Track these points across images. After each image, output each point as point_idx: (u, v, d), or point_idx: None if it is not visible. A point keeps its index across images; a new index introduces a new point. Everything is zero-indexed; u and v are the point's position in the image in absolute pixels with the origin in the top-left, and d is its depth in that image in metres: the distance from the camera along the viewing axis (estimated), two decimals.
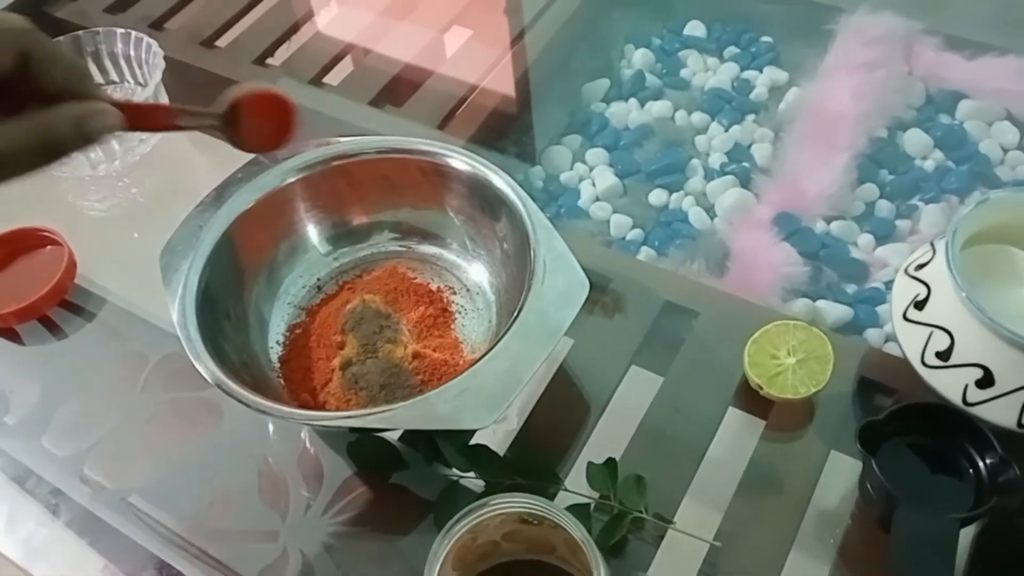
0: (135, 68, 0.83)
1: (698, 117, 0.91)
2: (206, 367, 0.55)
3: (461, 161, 0.64)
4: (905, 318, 0.57)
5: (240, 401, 0.54)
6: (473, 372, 0.54)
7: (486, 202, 0.64)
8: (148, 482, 0.61)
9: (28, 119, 0.38)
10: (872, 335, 0.73)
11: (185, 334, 0.57)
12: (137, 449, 0.63)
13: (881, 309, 0.74)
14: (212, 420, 0.64)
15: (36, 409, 0.66)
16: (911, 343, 0.56)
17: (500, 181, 0.62)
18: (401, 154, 0.66)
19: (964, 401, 0.54)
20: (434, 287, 0.68)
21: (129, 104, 0.42)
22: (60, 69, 0.39)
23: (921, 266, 0.58)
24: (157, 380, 0.66)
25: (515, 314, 0.56)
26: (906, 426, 0.54)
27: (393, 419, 0.53)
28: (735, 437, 0.61)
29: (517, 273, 0.61)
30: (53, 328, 0.70)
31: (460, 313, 0.66)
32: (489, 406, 0.52)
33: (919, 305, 0.56)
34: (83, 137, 0.39)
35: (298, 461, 0.62)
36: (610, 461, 0.57)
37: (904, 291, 0.58)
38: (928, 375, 0.55)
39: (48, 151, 0.38)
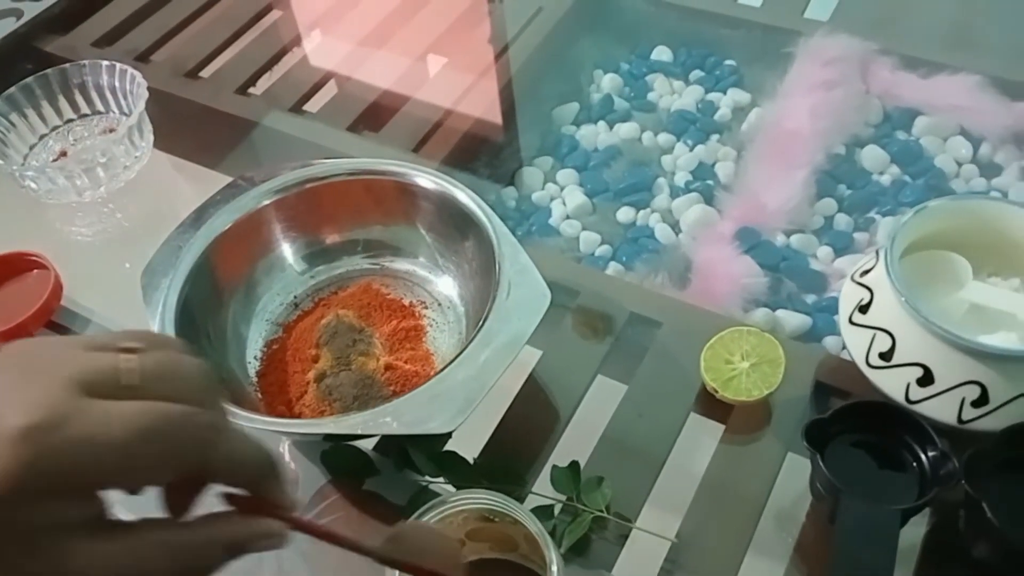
0: (120, 98, 0.86)
1: (664, 138, 0.94)
2: None
3: (428, 180, 0.67)
4: (851, 322, 0.60)
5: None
6: (440, 379, 0.56)
7: (453, 219, 0.67)
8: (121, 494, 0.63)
9: (169, 535, 0.31)
10: (830, 342, 0.76)
11: None
12: None
13: (839, 317, 0.77)
14: None
15: None
16: (856, 345, 0.59)
17: (466, 198, 0.65)
18: (371, 175, 0.69)
19: (907, 399, 0.56)
20: (407, 302, 0.70)
21: (301, 521, 0.36)
22: (244, 473, 0.33)
23: (865, 272, 0.61)
24: None
25: (480, 323, 0.59)
26: (852, 424, 0.57)
27: (364, 425, 0.55)
28: (695, 441, 0.63)
29: (484, 286, 0.64)
30: None
31: (432, 326, 0.69)
32: (455, 410, 0.54)
33: (863, 309, 0.59)
34: (233, 556, 0.32)
35: None
36: (573, 464, 0.59)
37: (850, 296, 0.61)
38: (873, 375, 0.58)
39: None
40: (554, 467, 0.60)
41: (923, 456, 0.56)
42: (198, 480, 0.33)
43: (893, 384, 0.57)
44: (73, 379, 0.28)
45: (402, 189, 0.68)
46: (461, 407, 0.55)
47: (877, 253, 0.61)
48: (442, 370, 0.57)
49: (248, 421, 0.56)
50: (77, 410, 0.28)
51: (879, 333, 0.57)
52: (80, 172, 0.79)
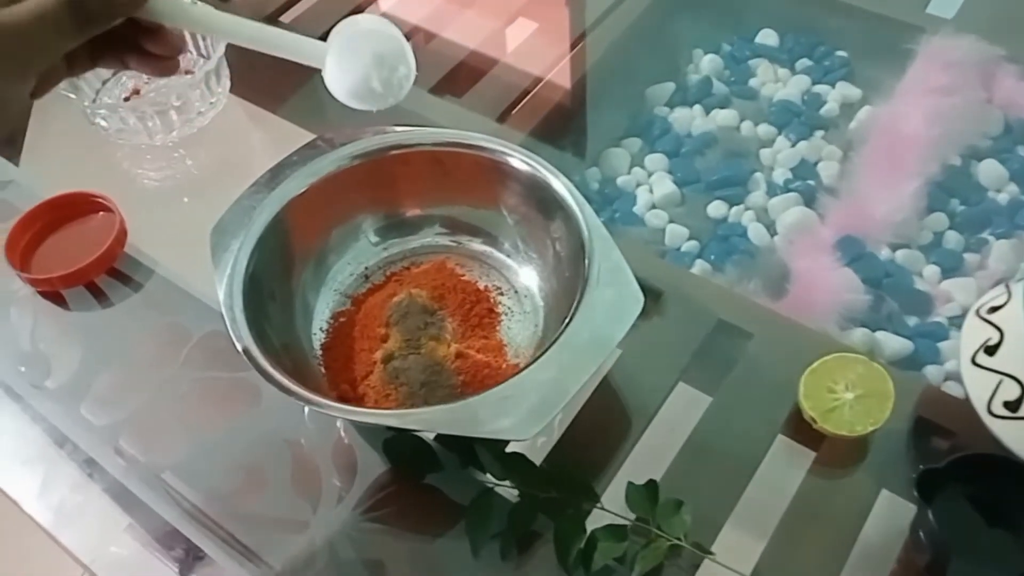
0: (198, 39, 0.83)
1: (764, 129, 0.88)
2: (248, 351, 0.54)
3: (520, 160, 0.63)
4: (974, 362, 0.54)
5: (280, 388, 0.53)
6: (518, 380, 0.52)
7: (542, 204, 0.62)
8: (181, 459, 0.61)
9: None
10: (932, 372, 0.70)
11: (230, 316, 0.57)
12: (173, 425, 0.63)
13: (943, 345, 0.71)
14: (249, 402, 0.63)
15: (76, 376, 0.66)
16: (978, 389, 0.53)
17: (559, 184, 0.61)
18: (459, 148, 0.65)
19: None
20: (481, 286, 0.66)
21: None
22: None
23: (995, 309, 0.55)
24: (198, 356, 0.66)
25: (565, 324, 0.54)
26: (966, 475, 0.52)
27: (431, 421, 0.51)
28: (782, 467, 0.59)
29: (569, 280, 0.59)
30: (99, 295, 0.70)
31: (506, 315, 0.65)
32: (531, 418, 0.50)
33: (990, 350, 0.53)
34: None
35: (332, 451, 0.61)
36: (651, 484, 0.55)
37: (975, 333, 0.55)
38: (994, 425, 0.52)
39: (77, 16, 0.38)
40: (630, 484, 0.56)
41: None
42: None
43: (1018, 438, 0.51)
44: None
45: (490, 167, 0.64)
46: (539, 413, 0.51)
47: (1009, 288, 0.55)
48: (522, 370, 0.53)
49: (310, 403, 0.52)
50: None
51: (1007, 380, 0.52)
52: (153, 114, 0.76)
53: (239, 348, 0.55)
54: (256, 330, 0.57)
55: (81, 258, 0.69)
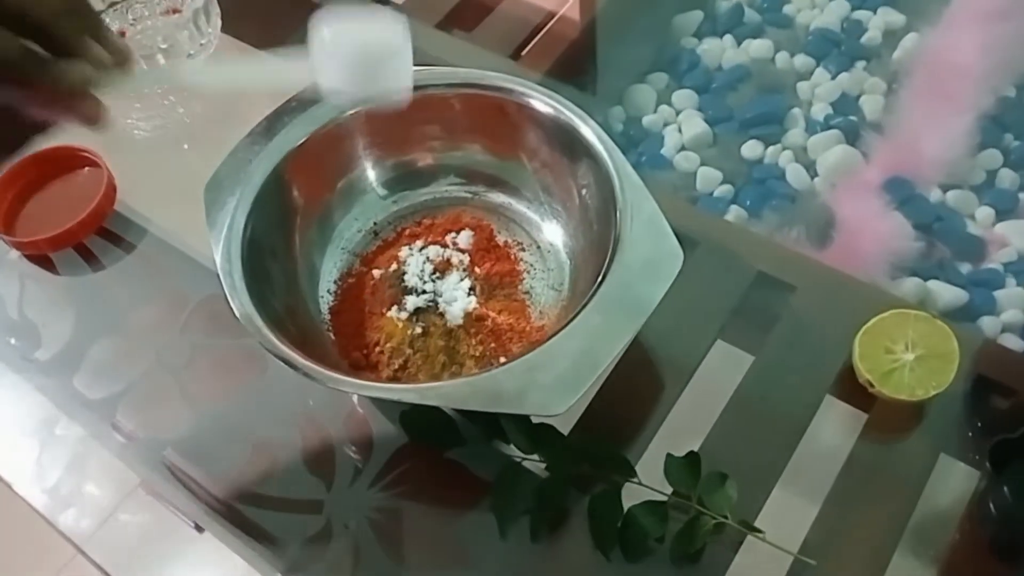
0: None
1: (801, 60, 0.81)
2: (251, 322, 0.50)
3: (542, 102, 0.57)
4: None
5: (288, 363, 0.48)
6: (546, 349, 0.47)
7: (568, 150, 0.57)
8: (184, 435, 0.57)
9: None
10: (987, 323, 0.65)
11: (229, 281, 0.52)
12: (173, 397, 0.59)
13: (999, 294, 0.66)
14: (255, 370, 0.59)
15: (68, 345, 0.62)
16: None
17: (587, 128, 0.55)
18: (475, 89, 0.59)
19: None
20: (501, 241, 0.61)
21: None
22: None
23: None
24: (197, 322, 0.61)
25: (596, 285, 0.50)
26: None
27: (454, 396, 0.47)
28: (832, 431, 0.55)
29: (599, 235, 0.54)
30: (89, 257, 0.65)
31: (528, 272, 0.60)
32: (562, 391, 0.46)
33: None
34: None
35: (345, 423, 0.57)
36: (692, 456, 0.51)
37: None
38: None
39: None
40: (669, 456, 0.51)
41: None
42: None
43: None
44: None
45: (509, 109, 0.58)
46: (570, 385, 0.46)
47: None
48: (550, 338, 0.48)
49: (323, 378, 0.48)
50: None
51: None
52: (139, 58, 0.70)
53: (239, 316, 0.50)
54: (257, 296, 0.52)
55: (68, 218, 0.64)
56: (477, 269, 0.59)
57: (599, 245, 0.53)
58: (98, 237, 0.66)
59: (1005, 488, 0.45)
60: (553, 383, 0.46)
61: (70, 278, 0.65)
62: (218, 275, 0.52)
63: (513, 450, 0.52)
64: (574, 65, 0.80)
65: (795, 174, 0.73)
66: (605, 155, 0.54)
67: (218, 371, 0.60)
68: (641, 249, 0.51)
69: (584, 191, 0.57)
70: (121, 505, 0.56)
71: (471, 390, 0.46)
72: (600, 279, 0.50)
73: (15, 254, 0.65)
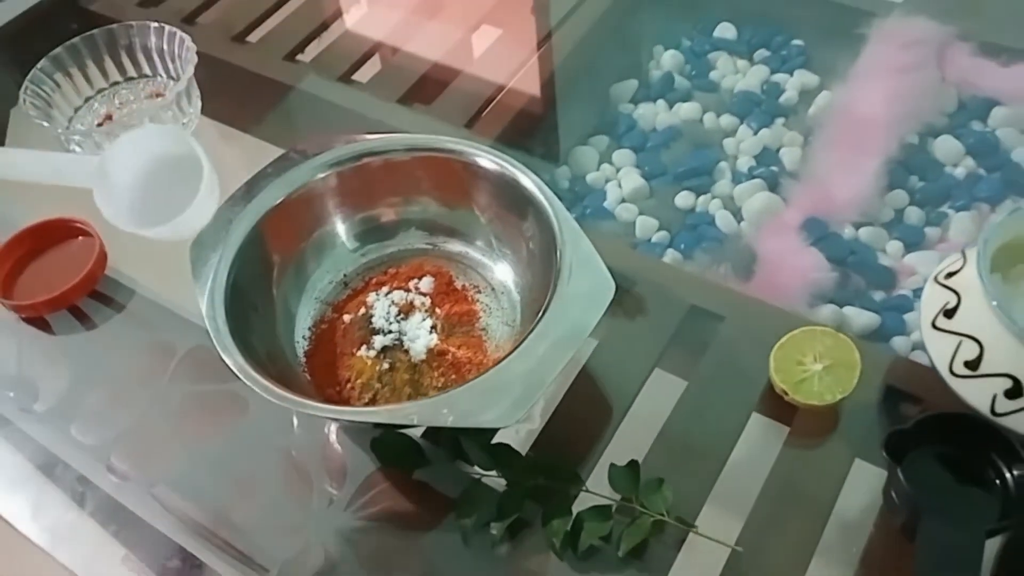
0: (167, 62, 0.84)
1: (727, 120, 0.90)
2: (234, 360, 0.56)
3: (489, 160, 0.64)
4: (934, 326, 0.56)
5: (268, 396, 0.54)
6: (497, 371, 0.54)
7: (513, 201, 0.64)
8: (174, 473, 0.62)
9: None
10: (899, 343, 0.72)
11: (213, 326, 0.58)
12: (163, 440, 0.64)
13: (909, 317, 0.74)
14: (238, 412, 0.65)
15: (64, 398, 0.67)
16: (939, 352, 0.56)
17: (528, 181, 0.62)
18: (429, 152, 0.66)
19: (992, 411, 0.53)
20: (459, 285, 0.68)
21: None
22: None
23: (951, 274, 0.57)
24: (184, 371, 0.67)
25: (539, 315, 0.56)
26: (933, 435, 0.54)
27: (417, 414, 0.53)
28: (758, 443, 0.61)
29: (543, 273, 0.61)
30: (83, 318, 0.71)
31: (485, 312, 0.67)
32: (512, 406, 0.52)
33: (948, 313, 0.56)
34: None
35: (322, 455, 0.62)
36: (632, 464, 0.57)
37: (933, 299, 0.57)
38: (956, 384, 0.54)
39: None
40: (612, 466, 0.57)
41: (1008, 473, 0.53)
42: None
43: (979, 395, 0.53)
44: None
45: (461, 168, 0.66)
46: (519, 401, 0.52)
47: (964, 254, 0.57)
48: (500, 361, 0.54)
49: (298, 406, 0.54)
50: None
51: (965, 340, 0.54)
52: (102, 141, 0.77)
53: (225, 359, 0.56)
54: (241, 340, 0.58)
55: (63, 283, 0.70)
56: (438, 310, 0.66)
57: (543, 282, 0.60)
58: (91, 299, 0.72)
59: (901, 475, 0.51)
60: (505, 401, 0.52)
61: (65, 337, 0.71)
62: (203, 326, 0.58)
63: (474, 469, 0.58)
64: (524, 130, 0.88)
65: (724, 220, 0.81)
66: (545, 203, 0.62)
67: (204, 414, 0.65)
68: (578, 282, 0.58)
69: (529, 236, 0.64)
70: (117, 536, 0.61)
71: (433, 409, 0.52)
72: (543, 311, 0.56)
73: (14, 316, 0.71)
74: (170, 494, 0.61)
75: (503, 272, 0.68)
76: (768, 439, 0.61)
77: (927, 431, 0.53)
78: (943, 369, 0.55)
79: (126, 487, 0.62)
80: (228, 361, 0.56)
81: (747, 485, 0.58)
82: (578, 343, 0.55)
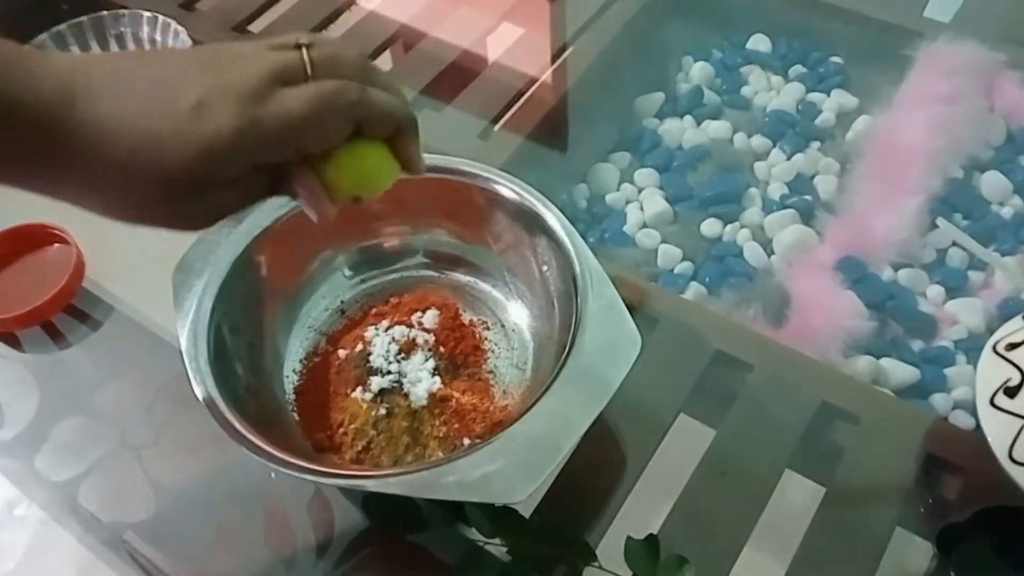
0: (157, 40, 0.78)
1: (758, 141, 0.84)
2: (211, 402, 0.50)
3: (509, 189, 0.59)
4: (992, 404, 0.51)
5: (248, 447, 0.49)
6: (508, 436, 0.48)
7: (532, 236, 0.58)
8: (145, 517, 0.57)
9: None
10: (939, 401, 0.67)
11: (194, 365, 0.53)
12: (136, 478, 0.59)
13: (950, 372, 0.68)
14: (217, 452, 0.59)
15: (32, 424, 0.62)
16: (998, 433, 0.50)
17: (551, 216, 0.57)
18: (443, 174, 0.60)
19: None
20: (466, 320, 0.62)
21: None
22: (385, 127, 0.41)
23: (1013, 346, 0.52)
24: (164, 402, 0.62)
25: (556, 369, 0.51)
26: (987, 526, 0.49)
27: (415, 486, 0.47)
28: (791, 505, 0.56)
29: (560, 318, 0.56)
30: (56, 335, 0.66)
31: (492, 352, 0.61)
32: (523, 477, 0.47)
33: (1010, 392, 0.50)
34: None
35: (308, 506, 0.57)
36: (651, 539, 0.52)
37: (992, 372, 0.52)
38: (1017, 473, 0.49)
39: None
40: (629, 539, 0.52)
41: None
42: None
43: None
44: (270, 72, 0.38)
45: (477, 195, 0.60)
46: (531, 472, 0.47)
47: None
48: (511, 423, 0.49)
49: (278, 465, 0.48)
50: (273, 95, 0.38)
51: None
52: None
53: (201, 399, 0.51)
54: (221, 378, 0.53)
55: (37, 295, 0.65)
56: (442, 348, 0.60)
57: (561, 327, 0.55)
58: (65, 314, 0.66)
59: (951, 574, 0.46)
60: (514, 470, 0.47)
61: (36, 356, 0.65)
62: (182, 358, 0.53)
63: (475, 533, 0.53)
64: (540, 144, 0.82)
65: (752, 252, 0.75)
66: (567, 240, 0.56)
67: (183, 452, 0.60)
68: (600, 333, 0.52)
69: (547, 274, 0.58)
70: None
71: (434, 479, 0.47)
72: (560, 365, 0.51)
73: None
74: (141, 542, 0.56)
75: (515, 310, 0.62)
76: (802, 501, 0.56)
77: (982, 523, 0.48)
78: (1001, 454, 0.49)
79: (94, 532, 0.56)
80: (205, 403, 0.50)
81: (777, 553, 0.53)
82: (599, 405, 0.49)
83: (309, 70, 0.39)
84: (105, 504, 0.57)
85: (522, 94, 0.84)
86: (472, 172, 0.60)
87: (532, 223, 0.58)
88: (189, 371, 0.52)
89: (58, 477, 0.59)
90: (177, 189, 0.37)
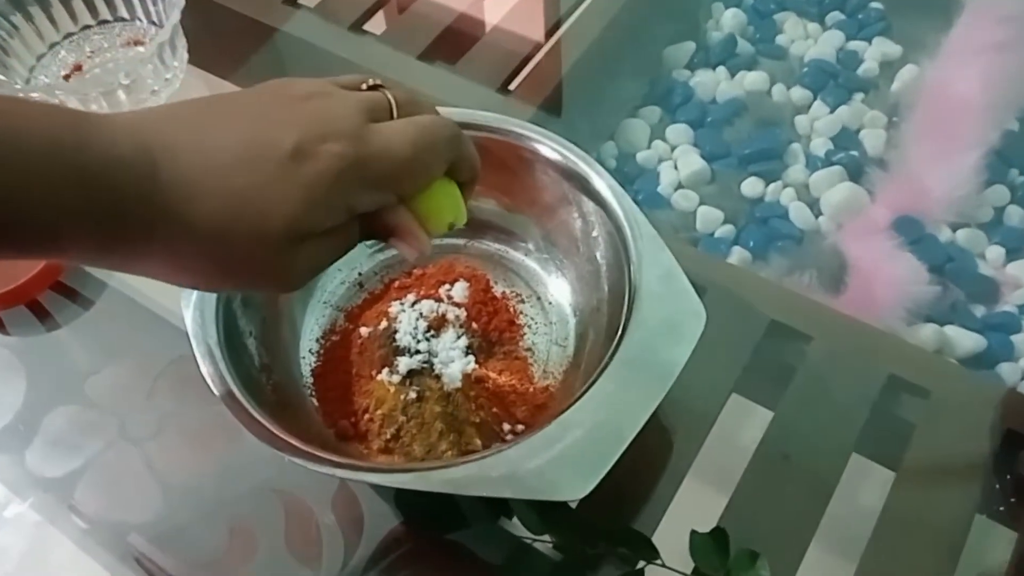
0: (148, 5, 0.71)
1: (798, 93, 0.78)
2: (228, 393, 0.45)
3: (548, 146, 0.52)
4: None
5: (267, 441, 0.43)
6: (562, 424, 0.43)
7: (574, 198, 0.52)
8: (151, 517, 0.51)
9: None
10: (1006, 370, 0.62)
11: (201, 346, 0.47)
12: (139, 473, 0.53)
13: (1016, 338, 0.63)
14: (231, 443, 0.53)
15: (20, 415, 0.56)
16: None
17: (596, 176, 0.51)
18: (470, 131, 0.54)
19: None
20: (498, 292, 0.56)
21: None
22: (473, 166, 0.40)
23: None
24: (166, 387, 0.56)
25: (612, 347, 0.45)
26: None
27: (461, 483, 0.42)
28: (858, 491, 0.51)
29: (610, 290, 0.50)
30: (43, 315, 0.59)
31: (529, 327, 0.55)
32: (584, 471, 0.41)
33: None
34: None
35: (333, 502, 0.51)
36: (719, 533, 0.47)
37: None
38: None
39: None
40: (694, 533, 0.47)
41: None
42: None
43: None
44: (362, 111, 0.36)
45: (510, 153, 0.54)
46: (594, 464, 0.41)
47: None
48: (565, 410, 0.43)
49: (305, 458, 0.43)
50: (370, 131, 0.35)
51: None
52: (97, 95, 0.65)
53: (212, 386, 0.45)
54: (233, 359, 0.47)
55: (20, 272, 0.58)
56: (474, 324, 0.54)
57: (610, 300, 0.49)
58: (53, 292, 0.60)
59: None
60: (573, 462, 0.42)
61: (21, 339, 0.59)
62: (188, 336, 0.47)
63: (521, 529, 0.48)
64: (565, 98, 0.76)
65: (799, 213, 0.70)
66: (615, 202, 0.50)
67: (190, 443, 0.54)
68: (659, 307, 0.46)
69: (592, 242, 0.52)
70: None
71: (482, 474, 0.41)
72: (616, 343, 0.45)
73: None
74: (147, 545, 0.50)
75: (553, 281, 0.56)
76: (871, 487, 0.51)
77: None
78: None
79: (93, 534, 0.51)
80: (219, 393, 0.45)
81: (848, 545, 0.49)
82: (664, 387, 0.44)
83: (395, 110, 0.37)
84: (105, 504, 0.52)
85: (539, 47, 0.77)
86: (504, 128, 0.54)
87: (575, 183, 0.52)
88: (196, 352, 0.46)
89: (51, 474, 0.53)
90: (278, 244, 0.33)
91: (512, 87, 0.74)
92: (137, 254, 0.33)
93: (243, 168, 0.33)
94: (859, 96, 0.78)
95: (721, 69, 0.80)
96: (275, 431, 0.44)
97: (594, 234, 0.52)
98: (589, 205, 0.52)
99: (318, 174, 0.33)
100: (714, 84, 0.79)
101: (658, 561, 0.46)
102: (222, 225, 0.32)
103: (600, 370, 0.44)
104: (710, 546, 0.46)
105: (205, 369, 0.46)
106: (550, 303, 0.56)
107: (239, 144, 0.33)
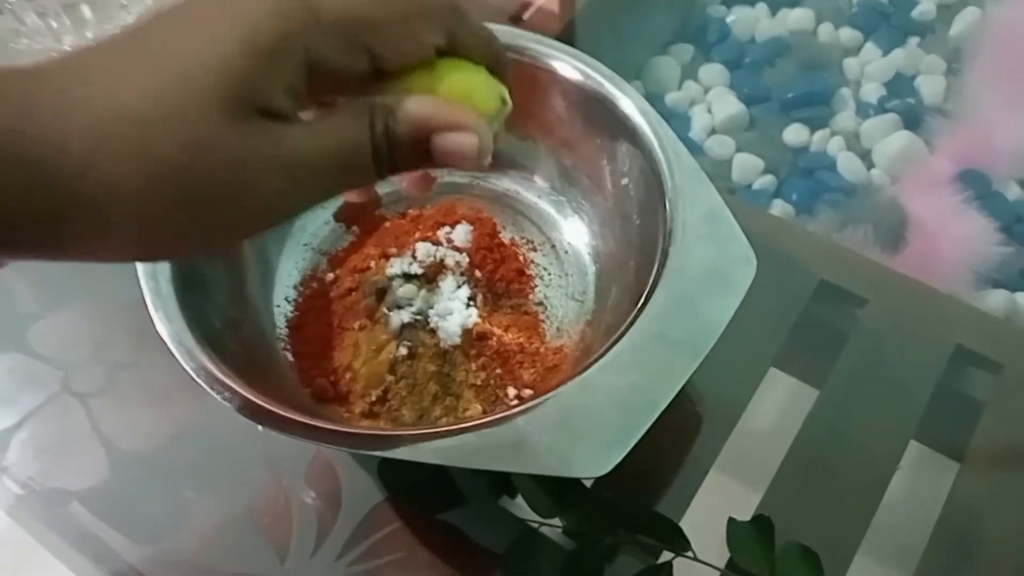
0: None
1: (848, 34, 0.70)
2: (180, 341, 0.37)
3: (569, 65, 0.45)
4: None
5: (230, 401, 0.36)
6: (580, 386, 0.35)
7: (599, 128, 0.45)
8: (97, 484, 0.44)
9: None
10: None
11: (152, 285, 0.39)
12: (83, 435, 0.46)
13: None
14: (187, 402, 0.46)
15: None
16: None
17: (627, 101, 0.43)
18: None
19: None
20: (506, 238, 0.49)
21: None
22: (484, 50, 0.33)
23: None
24: (118, 336, 0.49)
25: (642, 300, 0.38)
26: None
27: (459, 454, 0.34)
28: (919, 481, 0.45)
29: (640, 234, 0.43)
30: None
31: (541, 278, 0.48)
32: (605, 444, 0.34)
33: None
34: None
35: (307, 473, 0.44)
36: (762, 522, 0.39)
37: None
38: None
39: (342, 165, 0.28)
40: (731, 521, 0.40)
41: None
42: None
43: None
44: None
45: (522, 72, 0.46)
46: (619, 436, 0.34)
47: None
48: (586, 368, 0.36)
49: (274, 421, 0.35)
50: None
51: None
52: (59, 9, 0.58)
53: (163, 334, 0.38)
54: (191, 306, 0.40)
55: None
56: (478, 272, 0.47)
57: (642, 247, 0.42)
58: None
59: None
60: (593, 433, 0.34)
61: None
62: (138, 278, 0.40)
63: (528, 511, 0.40)
64: (586, 33, 0.68)
65: (848, 164, 0.62)
66: (649, 132, 0.42)
67: (143, 401, 0.47)
68: (701, 253, 0.39)
69: (619, 178, 0.45)
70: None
71: (486, 444, 0.34)
72: (647, 293, 0.38)
73: None
74: (91, 517, 0.43)
75: (570, 226, 0.49)
76: (933, 476, 0.44)
77: None
78: None
79: (29, 502, 0.43)
80: (171, 341, 0.37)
81: (905, 542, 0.42)
82: (706, 346, 0.37)
83: None
84: (43, 467, 0.45)
85: None
86: (518, 44, 0.46)
87: (600, 111, 0.44)
88: (147, 297, 0.39)
89: None
90: (226, 114, 0.25)
91: (525, 17, 0.66)
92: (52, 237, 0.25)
93: (155, 24, 0.26)
94: (914, 40, 0.70)
95: (761, 6, 0.72)
96: (240, 390, 0.37)
97: (623, 168, 0.44)
98: (615, 133, 0.44)
99: (255, 22, 0.26)
100: (753, 21, 0.71)
101: (689, 553, 0.39)
102: (142, 110, 0.24)
103: (627, 324, 0.37)
104: (752, 536, 0.39)
105: (158, 320, 0.39)
106: (566, 251, 0.49)
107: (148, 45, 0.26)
